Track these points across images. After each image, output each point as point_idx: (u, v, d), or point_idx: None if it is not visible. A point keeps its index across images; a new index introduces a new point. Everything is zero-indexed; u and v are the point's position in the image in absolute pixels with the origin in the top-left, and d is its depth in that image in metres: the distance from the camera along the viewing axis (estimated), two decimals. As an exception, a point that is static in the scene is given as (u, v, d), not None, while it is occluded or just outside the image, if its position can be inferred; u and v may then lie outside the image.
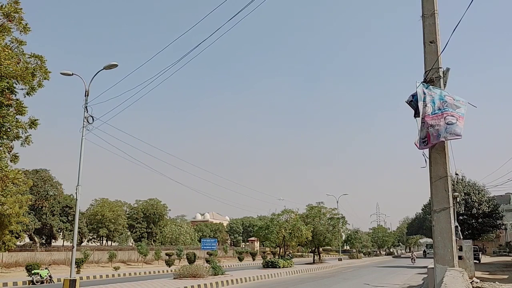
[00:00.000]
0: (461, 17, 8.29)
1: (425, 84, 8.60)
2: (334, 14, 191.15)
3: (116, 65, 20.13)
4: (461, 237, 27.31)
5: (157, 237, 73.83)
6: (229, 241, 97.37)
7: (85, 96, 19.80)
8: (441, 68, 8.71)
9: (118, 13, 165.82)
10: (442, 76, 8.66)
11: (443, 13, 9.06)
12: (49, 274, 27.48)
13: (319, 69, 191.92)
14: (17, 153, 17.91)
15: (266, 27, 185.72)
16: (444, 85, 8.65)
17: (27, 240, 53.90)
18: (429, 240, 77.65)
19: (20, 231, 34.43)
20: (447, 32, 9.67)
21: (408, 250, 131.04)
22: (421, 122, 8.42)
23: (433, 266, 8.52)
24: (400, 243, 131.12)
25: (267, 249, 69.27)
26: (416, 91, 8.61)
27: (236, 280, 25.22)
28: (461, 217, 45.39)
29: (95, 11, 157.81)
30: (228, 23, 12.91)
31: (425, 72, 8.81)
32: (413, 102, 8.70)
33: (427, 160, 8.61)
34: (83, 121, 19.54)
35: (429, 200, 10.16)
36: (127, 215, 73.17)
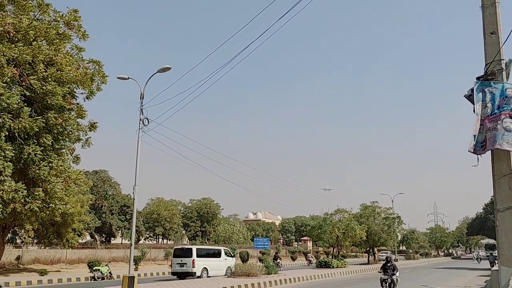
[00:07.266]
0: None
1: (484, 82, 8.21)
2: (386, 10, 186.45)
3: (169, 68, 20.62)
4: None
5: (210, 236, 74.99)
6: (281, 240, 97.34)
7: (140, 99, 20.46)
8: (503, 60, 8.28)
9: (168, 17, 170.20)
10: (504, 68, 8.23)
11: (504, 1, 8.58)
12: (109, 270, 28.61)
13: (369, 62, 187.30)
14: (78, 155, 18.70)
15: (313, 22, 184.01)
16: (507, 77, 8.24)
17: (88, 238, 56.34)
18: (491, 241, 73.65)
19: (82, 229, 36.12)
20: (509, 21, 9.16)
21: (469, 251, 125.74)
22: (480, 125, 8.06)
23: (497, 268, 8.11)
24: (459, 244, 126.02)
25: (320, 248, 68.58)
26: (473, 87, 8.26)
27: (290, 279, 25.17)
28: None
29: (146, 14, 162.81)
30: (275, 23, 12.96)
31: (486, 65, 8.40)
32: (472, 96, 8.35)
33: (479, 158, 8.23)
34: (139, 123, 20.19)
35: (492, 199, 9.66)
36: (182, 214, 74.78)
